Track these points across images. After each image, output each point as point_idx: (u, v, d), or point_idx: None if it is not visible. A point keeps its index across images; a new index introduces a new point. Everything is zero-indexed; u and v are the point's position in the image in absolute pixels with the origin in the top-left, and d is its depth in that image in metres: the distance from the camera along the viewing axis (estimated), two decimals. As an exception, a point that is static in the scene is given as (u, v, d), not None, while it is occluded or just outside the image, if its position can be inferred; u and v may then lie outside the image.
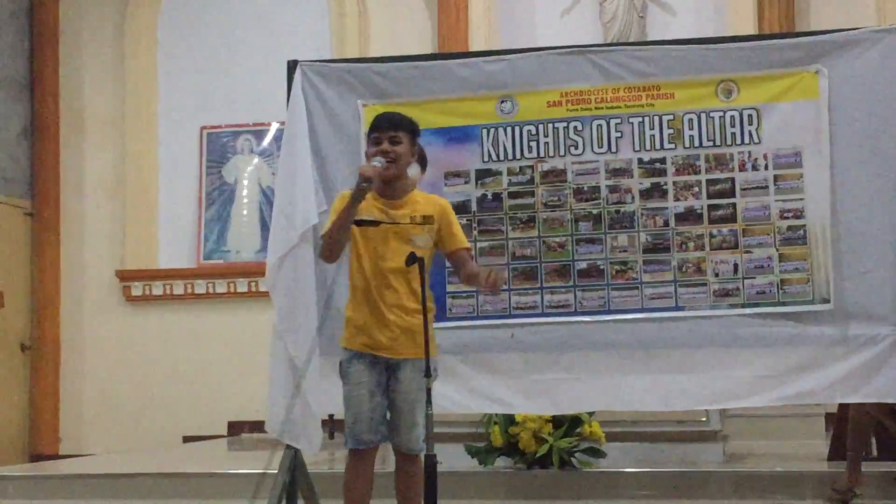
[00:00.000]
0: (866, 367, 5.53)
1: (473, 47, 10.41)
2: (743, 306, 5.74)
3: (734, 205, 5.80)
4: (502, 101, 6.00)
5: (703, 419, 7.01)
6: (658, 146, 5.88)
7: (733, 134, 5.80)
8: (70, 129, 11.40)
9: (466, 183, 6.03)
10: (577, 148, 5.94)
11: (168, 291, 11.04)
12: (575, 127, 5.94)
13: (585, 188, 5.93)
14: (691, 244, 5.82)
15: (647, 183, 5.88)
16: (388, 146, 4.94)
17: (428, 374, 4.61)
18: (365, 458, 5.00)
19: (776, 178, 5.77)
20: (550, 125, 5.96)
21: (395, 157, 4.93)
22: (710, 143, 5.83)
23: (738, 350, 5.68)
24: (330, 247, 4.95)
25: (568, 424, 6.54)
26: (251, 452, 9.11)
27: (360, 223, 4.89)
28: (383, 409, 4.98)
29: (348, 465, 5.02)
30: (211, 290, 10.96)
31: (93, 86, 11.46)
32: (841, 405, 6.52)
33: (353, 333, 5.00)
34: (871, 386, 5.53)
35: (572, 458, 6.54)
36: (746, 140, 5.79)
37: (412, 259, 4.73)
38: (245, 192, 11.05)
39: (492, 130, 6.01)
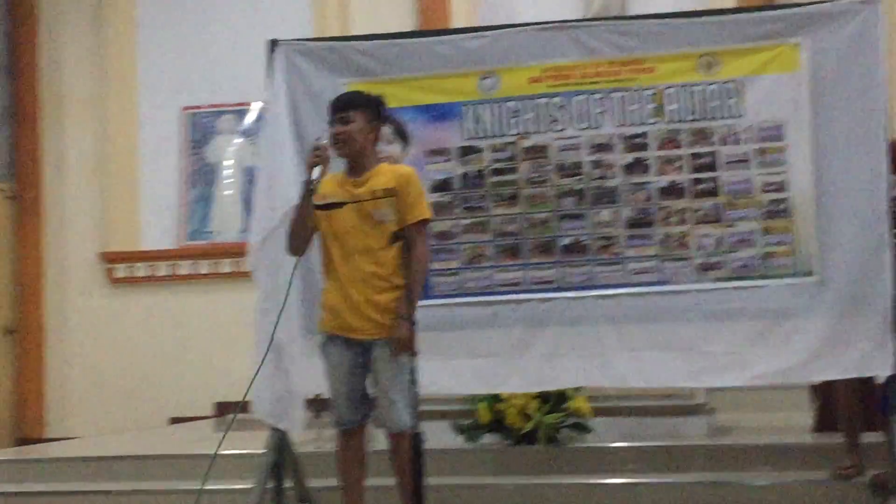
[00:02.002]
0: (847, 341, 5.54)
1: (454, 22, 10.38)
2: (727, 280, 5.76)
3: (717, 178, 5.81)
4: (484, 78, 6.00)
5: (689, 393, 7.03)
6: (640, 121, 5.88)
7: (715, 108, 5.81)
8: (51, 112, 11.34)
9: (448, 160, 6.03)
10: (559, 124, 5.94)
11: (152, 273, 11.01)
12: (557, 103, 5.93)
13: (568, 164, 5.93)
14: (675, 218, 5.83)
15: (629, 158, 5.89)
16: (340, 127, 4.99)
17: (414, 352, 4.62)
18: (350, 438, 5.05)
19: (758, 151, 5.78)
20: (532, 101, 5.96)
21: (345, 137, 4.98)
22: (692, 117, 5.84)
23: (722, 324, 5.70)
24: (289, 240, 5.12)
25: (554, 400, 6.55)
26: (238, 433, 9.09)
27: (325, 207, 4.97)
28: (363, 389, 5.01)
29: (337, 445, 5.07)
30: (195, 271, 10.93)
31: (73, 67, 11.38)
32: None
33: (326, 316, 5.04)
34: (850, 360, 5.54)
35: (558, 434, 6.55)
36: (728, 114, 5.80)
37: (396, 236, 4.74)
38: (227, 172, 11.01)
39: (474, 107, 6.01)
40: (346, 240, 4.96)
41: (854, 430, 6.01)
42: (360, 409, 5.02)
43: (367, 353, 4.97)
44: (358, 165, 5.04)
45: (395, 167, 5.14)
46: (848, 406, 6.01)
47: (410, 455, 4.66)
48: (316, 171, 4.91)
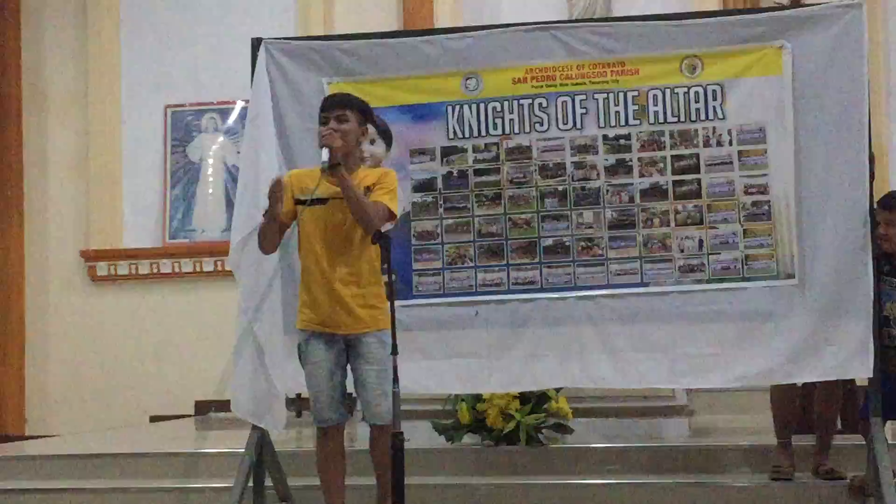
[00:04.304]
0: (827, 343, 5.55)
1: (439, 23, 10.39)
2: (708, 282, 5.78)
3: (699, 181, 5.82)
4: (467, 79, 6.00)
5: (670, 394, 7.04)
6: (623, 122, 5.89)
7: (698, 110, 5.82)
8: (33, 108, 11.29)
9: (432, 160, 6.03)
10: (542, 125, 5.94)
11: (133, 271, 10.98)
12: (540, 104, 5.94)
13: (551, 165, 5.94)
14: (657, 220, 5.84)
15: (612, 159, 5.89)
16: (336, 124, 4.98)
17: (395, 351, 4.62)
18: (331, 436, 5.07)
19: (740, 153, 5.79)
20: (515, 102, 5.96)
21: (343, 133, 4.98)
22: (675, 119, 5.85)
23: (703, 326, 5.72)
24: (260, 239, 5.16)
25: (535, 401, 6.56)
26: (218, 432, 9.09)
27: (309, 202, 4.98)
28: (343, 387, 5.02)
29: (317, 443, 5.08)
30: (177, 270, 10.91)
31: (55, 64, 11.34)
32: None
33: (307, 314, 5.04)
34: (831, 362, 5.55)
35: (539, 435, 6.55)
36: (711, 116, 5.81)
37: (378, 236, 4.74)
38: (210, 170, 10.99)
39: (457, 107, 6.01)
40: (329, 236, 4.97)
41: (783, 431, 6.04)
42: (340, 408, 5.03)
43: (351, 348, 4.97)
44: (344, 165, 5.01)
45: (378, 169, 5.21)
46: (779, 406, 6.03)
47: (392, 453, 4.66)
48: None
